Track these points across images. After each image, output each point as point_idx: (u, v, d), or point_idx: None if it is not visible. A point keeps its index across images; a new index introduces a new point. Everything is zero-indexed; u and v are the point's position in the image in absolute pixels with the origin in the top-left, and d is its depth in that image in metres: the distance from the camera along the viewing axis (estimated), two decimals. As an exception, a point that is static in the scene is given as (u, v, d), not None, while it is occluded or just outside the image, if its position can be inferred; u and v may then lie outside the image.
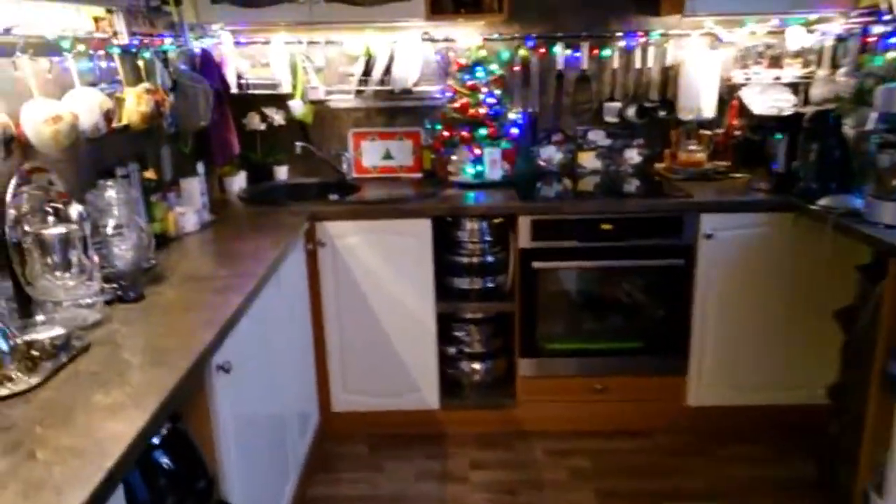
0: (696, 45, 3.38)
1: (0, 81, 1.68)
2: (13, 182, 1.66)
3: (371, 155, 3.54)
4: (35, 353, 1.47)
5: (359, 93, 3.39)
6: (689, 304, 3.00)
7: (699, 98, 3.31)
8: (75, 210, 1.75)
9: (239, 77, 3.25)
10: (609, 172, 3.48)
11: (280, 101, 3.37)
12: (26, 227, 1.65)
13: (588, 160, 3.49)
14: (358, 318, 3.01)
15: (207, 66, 2.92)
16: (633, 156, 3.48)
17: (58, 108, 1.71)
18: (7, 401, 1.31)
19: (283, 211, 2.88)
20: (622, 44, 3.41)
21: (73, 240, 1.68)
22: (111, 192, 1.92)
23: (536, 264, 2.98)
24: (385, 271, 2.96)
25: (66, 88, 1.89)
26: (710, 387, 3.09)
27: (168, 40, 2.54)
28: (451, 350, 3.20)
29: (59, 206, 1.77)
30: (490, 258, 3.11)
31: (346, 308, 3.00)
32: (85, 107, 1.84)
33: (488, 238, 3.09)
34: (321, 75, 3.40)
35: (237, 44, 3.31)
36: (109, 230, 1.89)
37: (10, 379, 1.36)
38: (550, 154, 3.51)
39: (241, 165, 3.36)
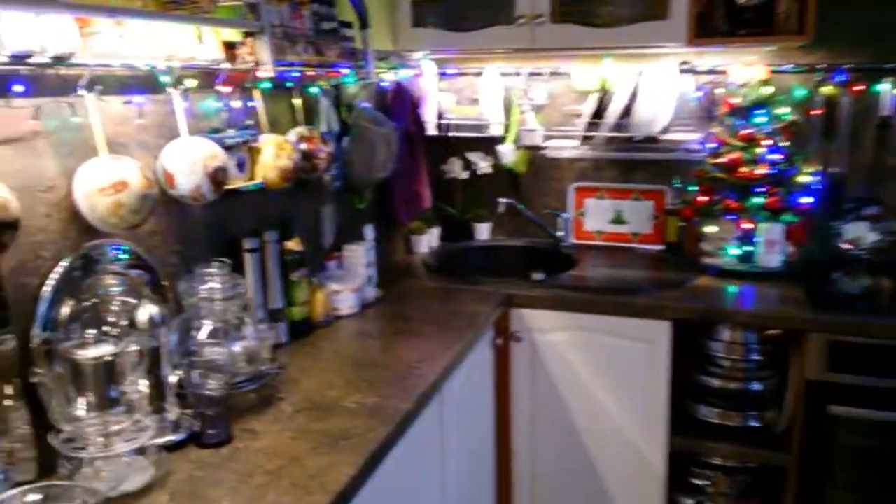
0: None
1: (56, 130, 1.20)
2: (60, 267, 1.17)
3: (597, 217, 2.76)
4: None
5: (587, 139, 2.63)
6: None
7: None
8: (146, 312, 1.23)
9: (439, 116, 2.68)
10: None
11: (488, 145, 2.74)
12: (57, 346, 1.14)
13: (922, 248, 2.38)
14: (558, 444, 2.28)
15: (399, 103, 2.37)
16: None
17: (122, 172, 1.19)
18: None
19: (472, 290, 2.22)
20: None
21: (124, 363, 1.15)
22: (213, 284, 1.38)
23: (835, 409, 1.97)
24: (600, 385, 2.20)
25: (175, 138, 1.40)
26: None
27: (345, 72, 2.01)
28: (687, 502, 2.31)
29: (131, 302, 1.26)
30: (756, 385, 2.18)
31: (543, 428, 2.28)
32: (184, 165, 1.32)
33: (756, 357, 2.15)
34: (541, 116, 2.70)
35: (442, 75, 2.75)
36: (202, 336, 1.35)
37: None
38: (859, 233, 2.45)
39: (434, 220, 2.78)
